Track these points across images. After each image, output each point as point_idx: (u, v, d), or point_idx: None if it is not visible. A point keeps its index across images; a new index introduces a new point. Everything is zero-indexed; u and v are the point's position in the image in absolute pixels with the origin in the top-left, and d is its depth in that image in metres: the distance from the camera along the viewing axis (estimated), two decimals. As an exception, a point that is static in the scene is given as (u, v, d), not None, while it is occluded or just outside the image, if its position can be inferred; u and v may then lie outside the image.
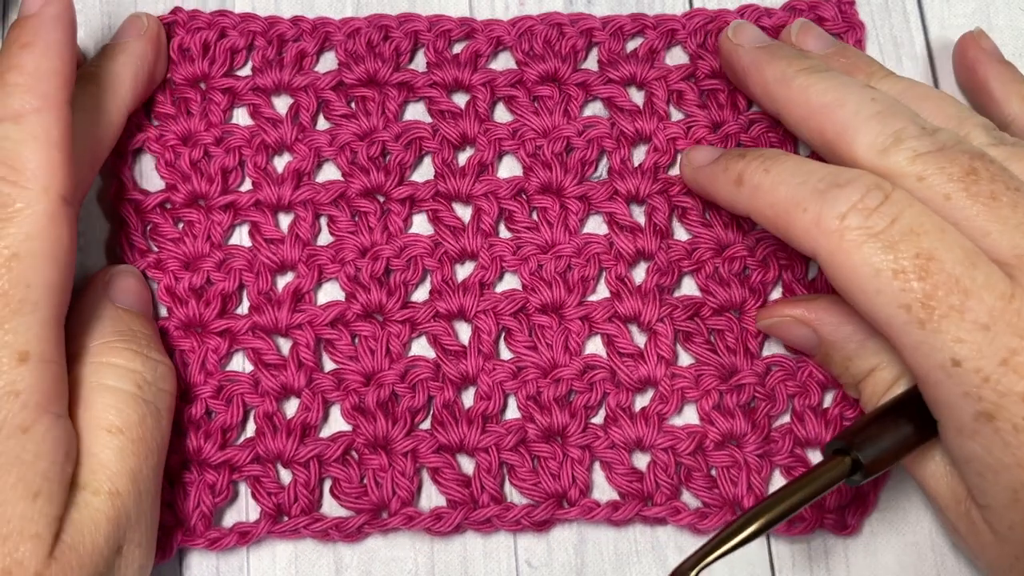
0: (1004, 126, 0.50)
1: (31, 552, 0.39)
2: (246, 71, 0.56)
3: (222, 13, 0.56)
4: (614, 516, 0.50)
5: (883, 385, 0.46)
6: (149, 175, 0.55)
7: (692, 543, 0.51)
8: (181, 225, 0.54)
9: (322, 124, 0.55)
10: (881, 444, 0.42)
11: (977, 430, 0.40)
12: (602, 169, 0.55)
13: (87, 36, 0.57)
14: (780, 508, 0.41)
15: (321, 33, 0.56)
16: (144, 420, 0.44)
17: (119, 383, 0.44)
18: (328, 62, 0.56)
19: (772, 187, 0.44)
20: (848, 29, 0.56)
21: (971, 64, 0.54)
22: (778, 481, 0.51)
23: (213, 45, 0.55)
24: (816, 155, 0.47)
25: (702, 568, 0.41)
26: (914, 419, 0.43)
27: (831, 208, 0.41)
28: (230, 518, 0.51)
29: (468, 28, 0.56)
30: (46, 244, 0.41)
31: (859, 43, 0.56)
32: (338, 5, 0.58)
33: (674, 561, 0.50)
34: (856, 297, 0.41)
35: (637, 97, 0.56)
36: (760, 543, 0.51)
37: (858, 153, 0.43)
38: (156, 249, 0.53)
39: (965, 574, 0.51)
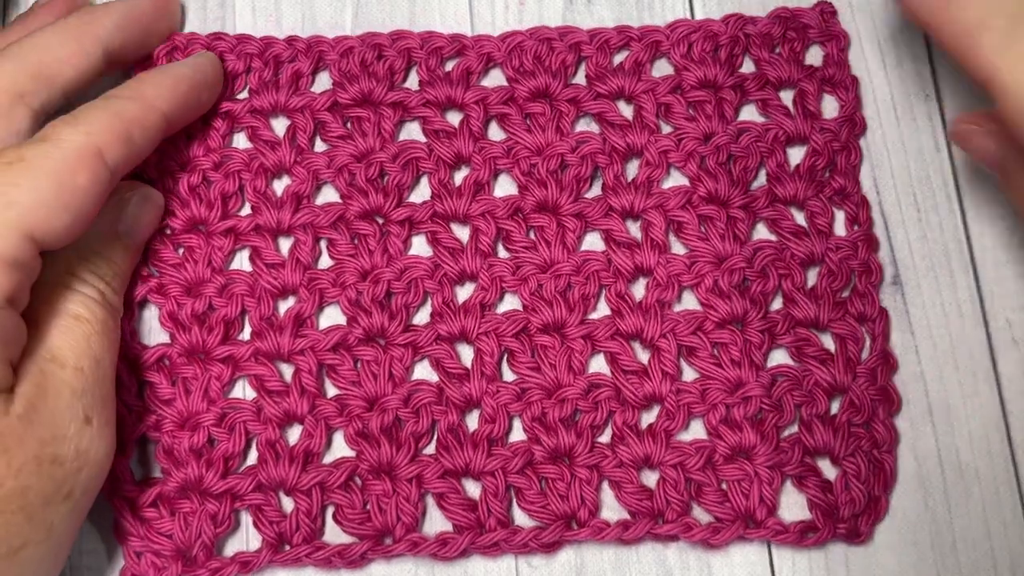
0: None
1: None
2: (242, 93, 0.56)
3: (218, 36, 0.55)
4: (625, 535, 0.49)
5: None
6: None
7: (692, 543, 0.50)
8: (182, 250, 0.53)
9: (319, 146, 0.55)
10: None
11: None
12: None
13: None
14: None
15: (315, 53, 0.55)
16: (106, 321, 0.47)
17: (84, 289, 0.47)
18: (324, 81, 0.56)
19: None
20: (831, 39, 0.56)
21: None
22: (790, 491, 0.51)
23: None
24: None
25: None
26: None
27: None
28: (231, 547, 0.50)
29: (459, 45, 0.56)
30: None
31: (842, 52, 0.56)
32: (338, 5, 0.58)
33: (674, 561, 0.50)
34: None
35: (626, 111, 0.56)
36: (760, 542, 0.51)
37: None
38: (157, 274, 0.52)
39: (965, 574, 0.51)
